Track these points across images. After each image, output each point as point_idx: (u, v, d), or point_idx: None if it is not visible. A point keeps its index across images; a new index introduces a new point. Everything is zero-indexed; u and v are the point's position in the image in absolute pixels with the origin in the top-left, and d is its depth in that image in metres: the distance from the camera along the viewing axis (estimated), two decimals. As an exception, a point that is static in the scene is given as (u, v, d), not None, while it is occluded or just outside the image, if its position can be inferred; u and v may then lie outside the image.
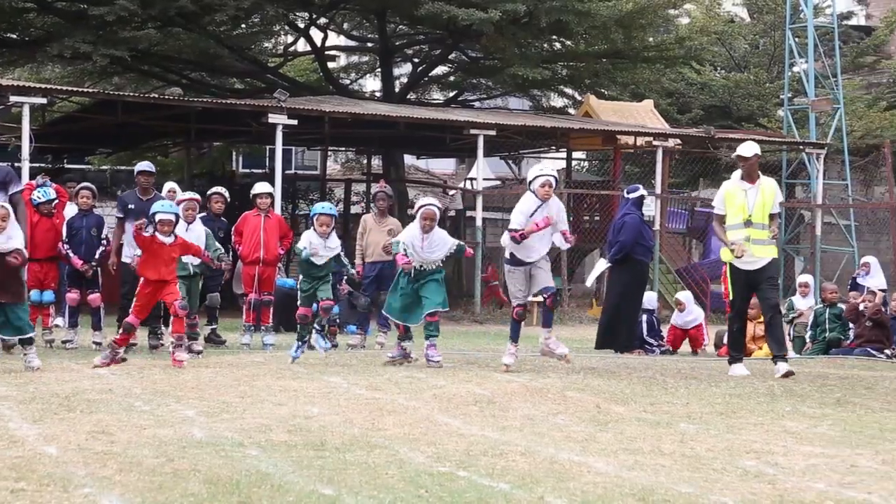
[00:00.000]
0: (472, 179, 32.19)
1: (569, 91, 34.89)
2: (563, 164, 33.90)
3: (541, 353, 12.89)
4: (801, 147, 30.72)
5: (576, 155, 36.61)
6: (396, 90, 32.93)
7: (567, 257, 26.57)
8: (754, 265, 12.68)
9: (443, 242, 12.80)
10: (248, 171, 37.90)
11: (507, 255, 12.50)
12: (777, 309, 13.17)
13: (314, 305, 13.05)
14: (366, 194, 33.27)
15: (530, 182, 12.38)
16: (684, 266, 29.36)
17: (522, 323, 12.60)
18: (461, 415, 9.04)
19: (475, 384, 10.77)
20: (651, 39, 32.09)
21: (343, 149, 39.84)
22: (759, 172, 12.80)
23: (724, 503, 6.06)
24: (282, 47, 34.97)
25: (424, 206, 12.86)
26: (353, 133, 29.91)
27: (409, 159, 38.96)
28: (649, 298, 17.38)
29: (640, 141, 29.20)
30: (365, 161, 37.30)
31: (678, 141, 29.85)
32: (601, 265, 16.82)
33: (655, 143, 27.91)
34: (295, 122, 23.62)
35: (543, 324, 12.75)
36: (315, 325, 12.98)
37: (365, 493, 6.08)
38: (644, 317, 17.13)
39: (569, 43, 31.30)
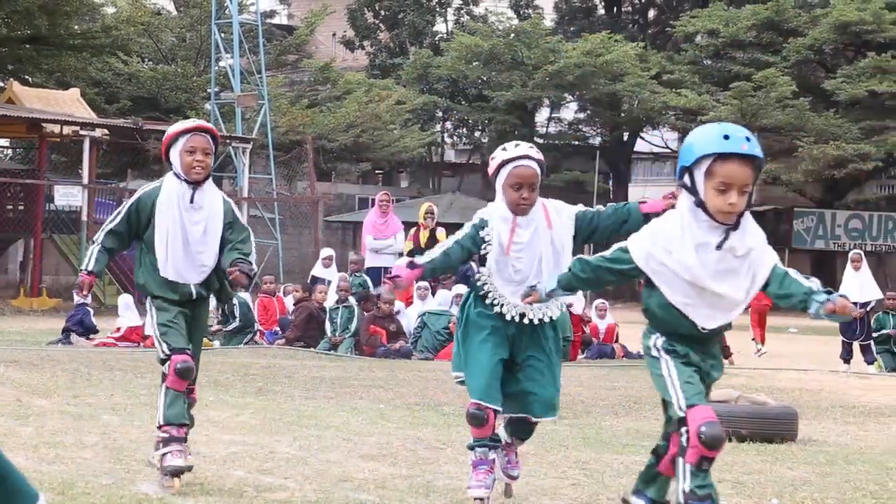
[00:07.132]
0: None
1: (-9, 76, 33.61)
2: None
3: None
4: (228, 141, 31.24)
5: (-1, 143, 35.38)
6: None
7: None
8: None
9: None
10: None
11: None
12: None
13: None
14: None
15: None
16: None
17: None
18: None
19: None
20: (77, 27, 31.51)
21: None
22: None
23: (144, 493, 6.11)
24: None
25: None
26: None
27: None
28: None
29: (67, 130, 28.62)
30: None
31: (106, 131, 29.50)
32: None
33: (83, 132, 27.45)
34: None
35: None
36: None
37: None
38: None
39: (-11, 27, 30.17)
